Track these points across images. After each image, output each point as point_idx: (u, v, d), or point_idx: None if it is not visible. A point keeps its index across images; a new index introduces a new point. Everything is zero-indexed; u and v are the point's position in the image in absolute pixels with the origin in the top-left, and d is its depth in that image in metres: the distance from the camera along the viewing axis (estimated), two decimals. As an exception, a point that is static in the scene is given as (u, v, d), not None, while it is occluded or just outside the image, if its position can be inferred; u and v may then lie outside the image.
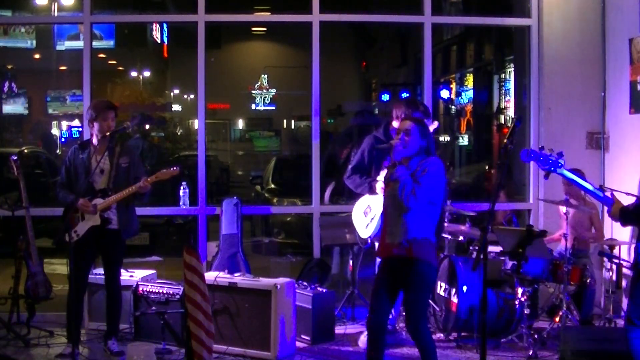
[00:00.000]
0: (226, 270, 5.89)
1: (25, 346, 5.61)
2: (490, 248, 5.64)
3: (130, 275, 5.99)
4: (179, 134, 24.85)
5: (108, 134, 5.33)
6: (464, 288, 5.66)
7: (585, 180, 4.22)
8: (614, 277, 5.67)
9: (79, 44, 10.57)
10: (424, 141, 4.25)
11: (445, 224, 6.09)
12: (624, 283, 5.91)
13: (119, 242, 5.42)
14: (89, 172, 5.26)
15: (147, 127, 20.78)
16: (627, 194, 5.91)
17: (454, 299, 5.81)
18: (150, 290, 5.71)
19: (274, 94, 25.58)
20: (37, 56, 18.81)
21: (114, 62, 21.04)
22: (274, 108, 26.00)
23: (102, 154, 5.29)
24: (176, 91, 26.20)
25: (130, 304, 5.77)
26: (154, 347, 5.13)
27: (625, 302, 6.15)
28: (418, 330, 4.21)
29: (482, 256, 3.77)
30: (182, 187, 6.59)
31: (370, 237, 5.31)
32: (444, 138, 19.70)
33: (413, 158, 4.24)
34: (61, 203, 5.43)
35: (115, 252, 5.45)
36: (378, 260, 4.79)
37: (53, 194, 5.50)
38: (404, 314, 5.51)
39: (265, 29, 23.09)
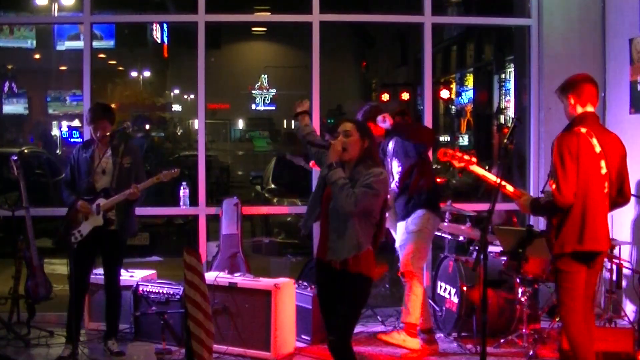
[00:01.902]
0: (226, 270, 5.89)
1: (25, 346, 5.60)
2: (490, 248, 5.64)
3: (130, 275, 5.99)
4: (179, 134, 24.90)
5: (108, 134, 5.33)
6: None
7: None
8: (614, 277, 5.67)
9: (79, 44, 10.61)
10: (365, 142, 4.01)
11: (445, 224, 6.11)
12: (624, 283, 5.91)
13: (120, 243, 5.41)
14: (91, 171, 5.26)
15: (147, 127, 20.82)
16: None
17: (454, 299, 5.82)
18: (150, 290, 5.70)
19: (274, 94, 25.61)
20: (37, 56, 18.85)
21: (114, 62, 21.08)
22: (274, 108, 26.04)
23: (105, 153, 5.30)
24: (176, 91, 26.26)
25: (130, 304, 5.76)
26: (154, 347, 5.13)
27: (625, 302, 6.16)
28: (343, 347, 3.94)
29: (482, 256, 3.78)
30: (182, 187, 6.58)
31: None
32: (444, 138, 19.74)
33: (357, 163, 3.99)
34: (64, 202, 5.40)
35: (116, 252, 5.44)
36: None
37: (53, 194, 5.50)
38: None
39: (265, 29, 23.13)
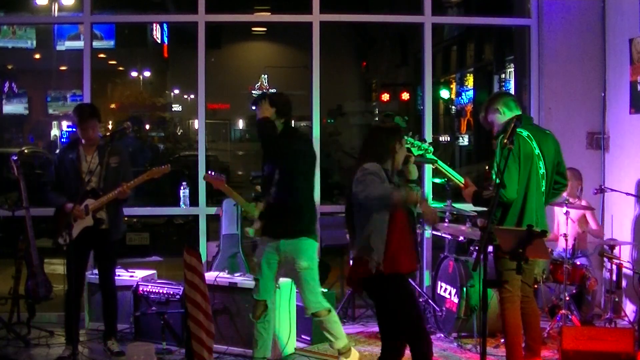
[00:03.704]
0: (226, 270, 5.89)
1: (25, 346, 5.61)
2: (490, 248, 5.64)
3: (130, 275, 5.99)
4: (179, 134, 24.89)
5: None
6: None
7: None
8: (614, 277, 5.67)
9: (79, 44, 10.58)
10: None
11: (446, 224, 6.10)
12: (624, 283, 5.91)
13: (111, 242, 5.40)
14: (78, 172, 5.23)
15: (147, 127, 20.84)
16: (626, 194, 5.94)
17: (454, 299, 5.81)
18: (151, 290, 5.71)
19: (274, 94, 25.54)
20: (37, 56, 18.84)
21: (114, 62, 21.08)
22: (274, 108, 25.97)
23: (92, 153, 5.26)
24: (176, 91, 26.24)
25: (131, 304, 5.77)
26: (154, 347, 5.13)
27: (625, 302, 6.16)
28: None
29: (482, 256, 3.78)
30: (182, 187, 6.59)
31: None
32: (445, 138, 19.73)
33: None
34: (52, 204, 5.39)
35: (109, 252, 5.44)
36: None
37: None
38: None
39: (265, 29, 23.12)
